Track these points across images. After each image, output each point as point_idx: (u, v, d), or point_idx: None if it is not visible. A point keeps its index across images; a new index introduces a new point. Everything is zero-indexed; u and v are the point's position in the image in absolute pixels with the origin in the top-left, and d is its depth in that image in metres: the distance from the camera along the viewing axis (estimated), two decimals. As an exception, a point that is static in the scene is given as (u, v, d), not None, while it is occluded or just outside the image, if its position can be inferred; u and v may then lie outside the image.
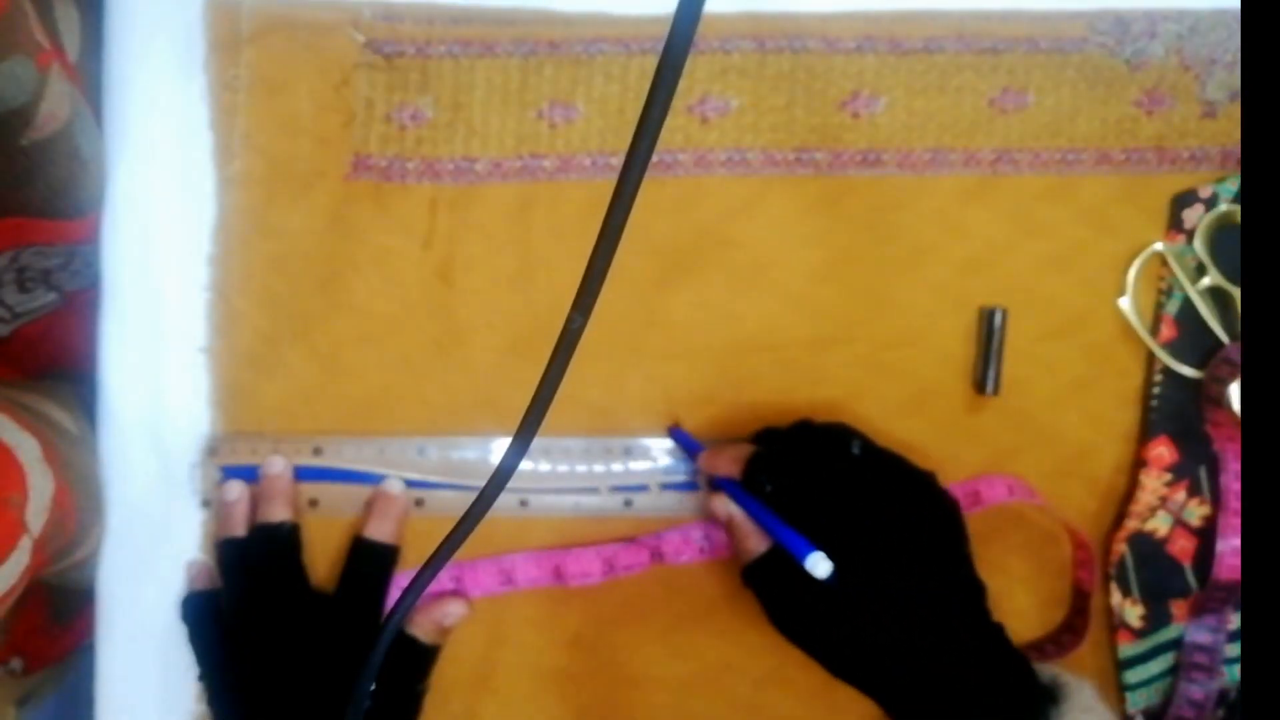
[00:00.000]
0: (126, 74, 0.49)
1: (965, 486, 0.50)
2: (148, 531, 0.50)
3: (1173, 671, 0.51)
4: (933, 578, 0.41)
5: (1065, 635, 0.50)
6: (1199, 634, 0.50)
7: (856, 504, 0.41)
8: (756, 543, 0.43)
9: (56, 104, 0.42)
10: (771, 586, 0.42)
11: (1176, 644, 0.51)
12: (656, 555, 0.50)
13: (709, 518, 0.49)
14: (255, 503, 0.49)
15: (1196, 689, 0.50)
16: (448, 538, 0.30)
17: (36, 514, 0.42)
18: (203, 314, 0.49)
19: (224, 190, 0.49)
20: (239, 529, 0.48)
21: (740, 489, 0.44)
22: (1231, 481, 0.50)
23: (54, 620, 0.59)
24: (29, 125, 0.41)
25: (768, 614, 0.43)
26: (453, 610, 0.49)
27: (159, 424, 0.49)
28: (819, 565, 0.39)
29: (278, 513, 0.48)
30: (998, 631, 0.42)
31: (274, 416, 0.50)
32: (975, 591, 0.42)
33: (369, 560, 0.48)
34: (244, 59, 0.49)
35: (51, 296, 0.53)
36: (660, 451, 0.50)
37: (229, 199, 0.49)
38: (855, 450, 0.44)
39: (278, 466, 0.49)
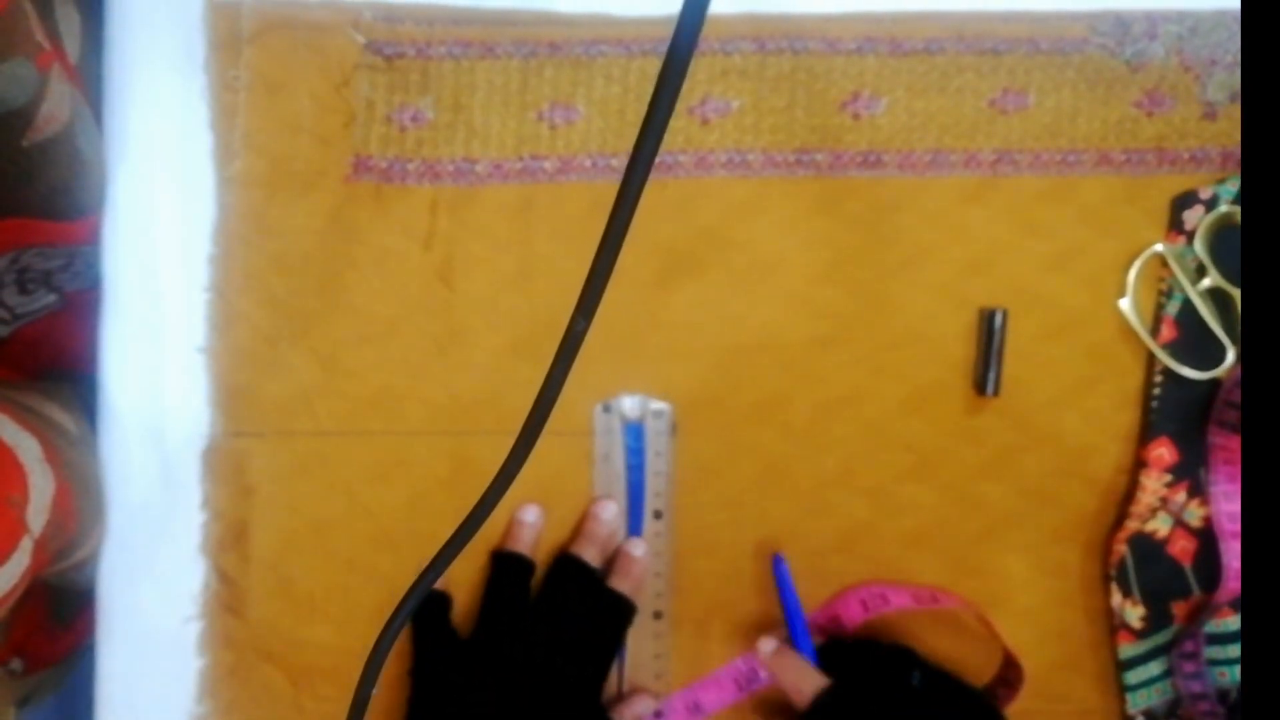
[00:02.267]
0: (126, 74, 0.49)
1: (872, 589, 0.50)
2: (148, 531, 0.50)
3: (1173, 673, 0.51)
4: None
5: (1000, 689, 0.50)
6: (1194, 684, 0.50)
7: None
8: None
9: (57, 105, 0.42)
10: None
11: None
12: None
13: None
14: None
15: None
16: (451, 539, 0.30)
17: (37, 514, 0.42)
18: (203, 314, 0.49)
19: (224, 190, 0.49)
20: (523, 547, 0.49)
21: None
22: (1223, 503, 0.50)
23: (54, 620, 0.59)
24: (29, 126, 0.41)
25: None
26: (643, 706, 0.49)
27: (159, 424, 0.49)
28: None
29: (591, 557, 0.49)
30: None
31: (274, 416, 0.50)
32: None
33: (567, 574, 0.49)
34: (244, 59, 0.49)
35: (52, 298, 0.53)
36: None
37: (229, 199, 0.49)
38: (916, 681, 0.45)
39: (611, 511, 0.50)
